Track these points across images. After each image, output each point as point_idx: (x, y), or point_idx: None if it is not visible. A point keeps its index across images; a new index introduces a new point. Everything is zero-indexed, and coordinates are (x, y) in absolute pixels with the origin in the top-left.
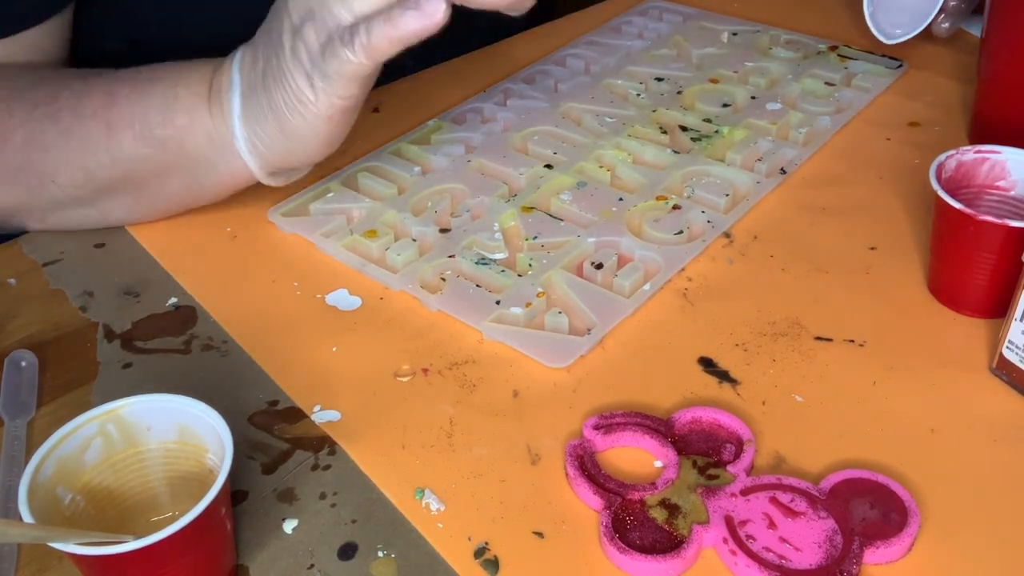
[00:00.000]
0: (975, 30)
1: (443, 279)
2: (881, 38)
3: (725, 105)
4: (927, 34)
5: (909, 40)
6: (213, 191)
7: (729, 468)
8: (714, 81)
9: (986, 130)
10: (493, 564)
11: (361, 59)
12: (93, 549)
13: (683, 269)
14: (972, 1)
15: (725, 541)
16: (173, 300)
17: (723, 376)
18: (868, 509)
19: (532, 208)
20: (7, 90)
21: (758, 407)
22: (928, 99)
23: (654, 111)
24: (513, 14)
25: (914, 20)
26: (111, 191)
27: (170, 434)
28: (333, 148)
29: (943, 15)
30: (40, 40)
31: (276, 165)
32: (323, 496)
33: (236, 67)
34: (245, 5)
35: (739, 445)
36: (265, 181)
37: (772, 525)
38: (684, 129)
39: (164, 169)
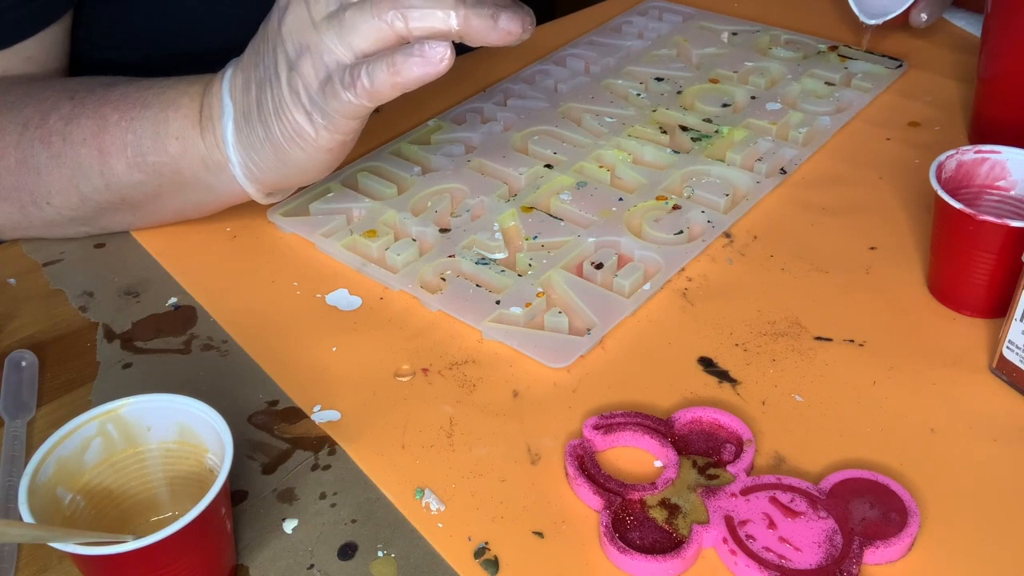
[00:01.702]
0: (975, 30)
1: (443, 279)
2: (863, 18)
3: (725, 105)
4: (922, 32)
5: (909, 40)
6: (211, 208)
7: (729, 468)
8: (714, 81)
9: (986, 130)
10: (493, 564)
11: (363, 101)
12: (93, 549)
13: (683, 269)
14: None
15: (725, 541)
16: (173, 300)
17: (723, 376)
18: (868, 509)
19: (532, 208)
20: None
21: (758, 407)
22: (928, 99)
23: (654, 111)
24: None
25: (896, 3)
26: (107, 211)
27: (170, 434)
28: (331, 171)
29: (922, 3)
30: (35, 52)
31: (272, 188)
32: (323, 496)
33: (227, 90)
34: (238, 15)
35: (739, 445)
36: (262, 201)
37: (772, 525)
38: (684, 129)
39: (160, 192)
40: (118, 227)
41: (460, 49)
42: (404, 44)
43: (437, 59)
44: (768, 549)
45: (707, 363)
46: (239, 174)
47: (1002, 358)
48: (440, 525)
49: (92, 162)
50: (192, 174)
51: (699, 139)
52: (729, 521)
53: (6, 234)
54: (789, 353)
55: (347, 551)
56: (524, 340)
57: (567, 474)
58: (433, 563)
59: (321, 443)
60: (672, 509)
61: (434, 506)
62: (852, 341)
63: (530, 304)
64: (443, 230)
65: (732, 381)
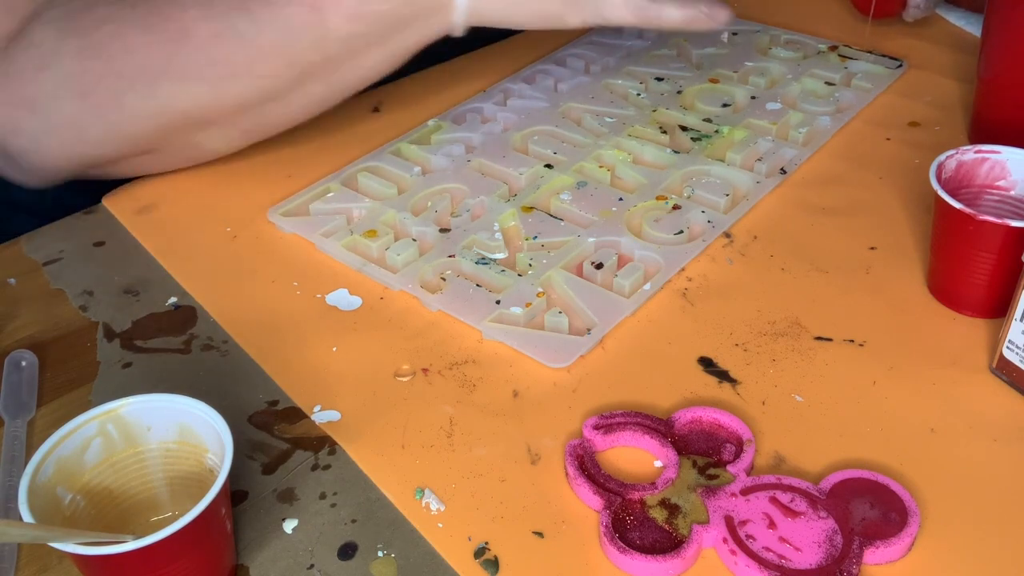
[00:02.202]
0: (975, 29)
1: (443, 279)
2: None
3: (725, 105)
4: (922, 32)
5: (909, 40)
6: (396, 61)
7: (729, 468)
8: (714, 81)
9: (986, 130)
10: (493, 564)
11: (632, 21)
12: (93, 549)
13: (683, 269)
14: None
15: (725, 541)
16: (173, 300)
17: (723, 376)
18: (868, 509)
19: (532, 208)
20: None
21: (758, 407)
22: (928, 99)
23: (654, 111)
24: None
25: None
26: (307, 78)
27: (170, 434)
28: None
29: None
30: None
31: (476, 23)
32: (323, 496)
33: None
34: None
35: (739, 445)
36: (458, 33)
37: (772, 525)
38: (684, 129)
39: (365, 48)
40: (306, 100)
41: (461, 48)
42: None
43: (722, 21)
44: (768, 549)
45: (707, 363)
46: (462, 6)
47: (1002, 358)
48: (440, 525)
49: (305, 21)
50: (414, 14)
51: (699, 139)
52: (729, 521)
53: (172, 128)
54: (789, 353)
55: (347, 551)
56: (524, 340)
57: (567, 474)
58: (433, 563)
59: (321, 443)
60: (672, 509)
61: (434, 506)
62: (852, 341)
63: (530, 304)
64: (443, 230)
65: (732, 381)
